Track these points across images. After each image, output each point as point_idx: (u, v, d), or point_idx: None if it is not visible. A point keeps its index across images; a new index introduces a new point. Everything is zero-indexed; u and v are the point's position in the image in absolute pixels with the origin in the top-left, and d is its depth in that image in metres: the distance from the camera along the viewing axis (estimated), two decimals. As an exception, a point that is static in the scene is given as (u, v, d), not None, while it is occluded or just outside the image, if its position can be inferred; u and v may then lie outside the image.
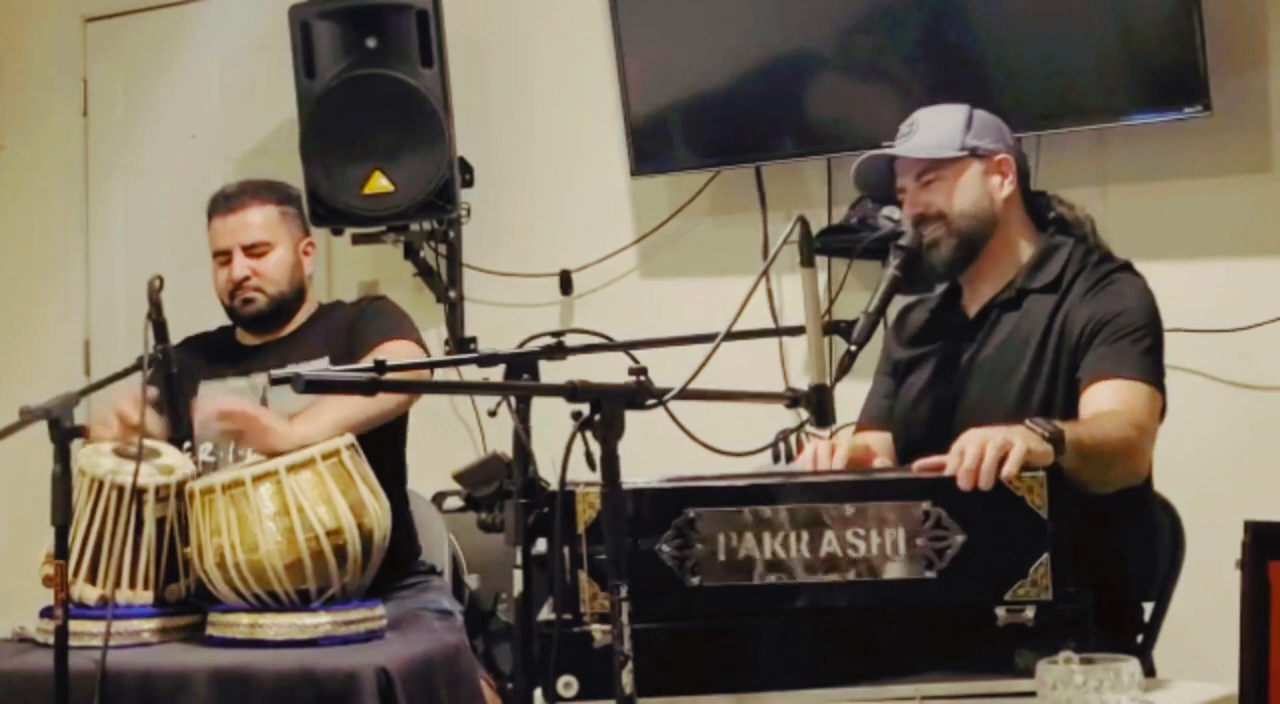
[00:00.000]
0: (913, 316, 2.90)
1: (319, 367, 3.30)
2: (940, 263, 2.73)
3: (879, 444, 2.79)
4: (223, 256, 3.42)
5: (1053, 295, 2.68)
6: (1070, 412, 2.54)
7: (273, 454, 2.98)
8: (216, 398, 3.11)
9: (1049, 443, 2.25)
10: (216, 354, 3.47)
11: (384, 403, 3.21)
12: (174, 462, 3.07)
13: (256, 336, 3.47)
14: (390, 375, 2.29)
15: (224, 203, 3.46)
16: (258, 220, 3.43)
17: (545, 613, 2.26)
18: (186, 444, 3.15)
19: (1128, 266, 2.72)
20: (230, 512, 2.91)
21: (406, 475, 3.47)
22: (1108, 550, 2.56)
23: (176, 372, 3.05)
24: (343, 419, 3.09)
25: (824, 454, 2.58)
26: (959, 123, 2.73)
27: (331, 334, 3.40)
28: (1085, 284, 2.67)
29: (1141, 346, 2.58)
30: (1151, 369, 2.58)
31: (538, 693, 2.24)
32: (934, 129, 2.73)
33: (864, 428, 2.88)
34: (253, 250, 3.41)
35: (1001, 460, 2.18)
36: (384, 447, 3.26)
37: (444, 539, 3.57)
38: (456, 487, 2.39)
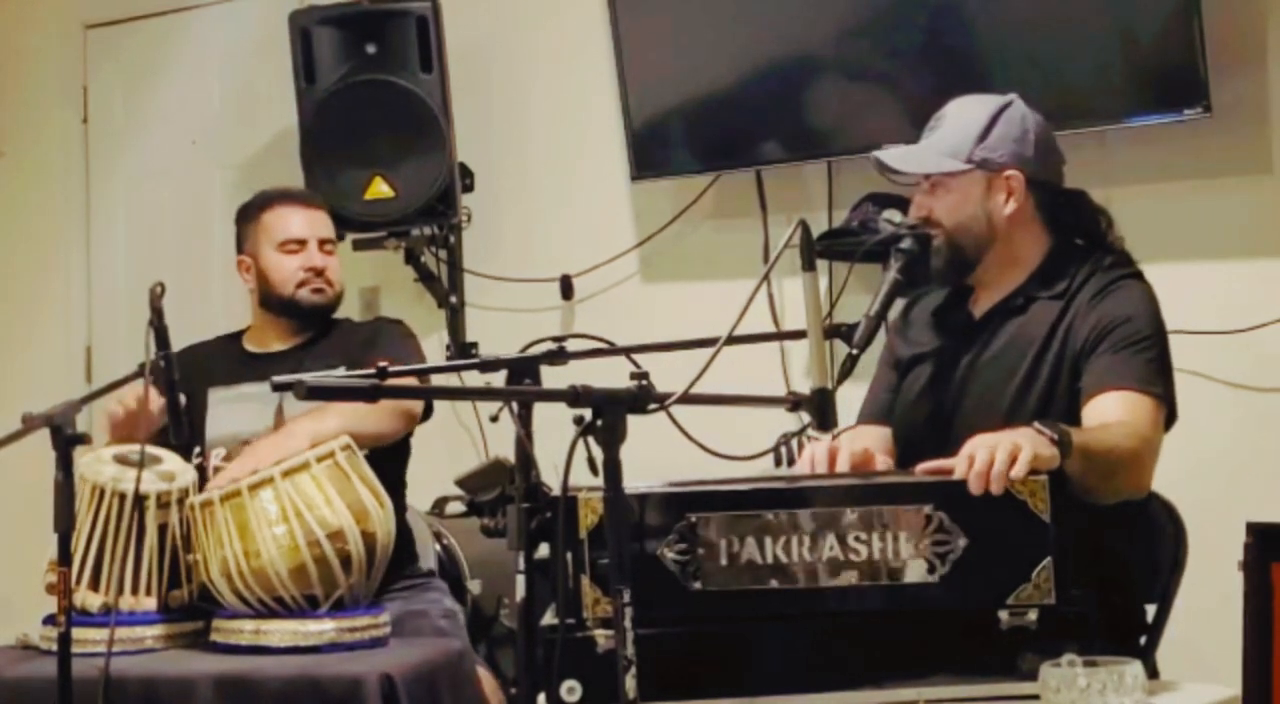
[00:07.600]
0: (917, 311, 2.86)
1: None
2: (935, 269, 2.72)
3: (879, 438, 2.77)
4: (294, 244, 3.43)
5: (1059, 302, 2.65)
6: (1067, 417, 2.52)
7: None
8: (244, 459, 3.07)
9: (1056, 446, 2.25)
10: (225, 362, 3.47)
11: (393, 422, 3.22)
12: (175, 468, 3.07)
13: (286, 340, 3.47)
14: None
15: (299, 196, 3.54)
16: (328, 221, 3.52)
17: (548, 618, 2.26)
18: (197, 451, 3.14)
19: (1136, 274, 2.69)
20: (230, 522, 2.91)
21: (405, 491, 3.48)
22: (1110, 552, 2.56)
23: (179, 378, 3.05)
24: (347, 425, 3.10)
25: (823, 457, 2.58)
26: (975, 130, 2.66)
27: (348, 349, 3.39)
28: (1091, 290, 2.64)
29: (1146, 356, 2.56)
30: (1156, 379, 2.56)
31: (541, 698, 2.24)
32: (952, 131, 2.69)
33: (866, 421, 2.85)
34: (324, 246, 3.47)
35: (1011, 464, 2.18)
36: (385, 467, 3.25)
37: (430, 549, 3.59)
38: (459, 492, 2.40)
